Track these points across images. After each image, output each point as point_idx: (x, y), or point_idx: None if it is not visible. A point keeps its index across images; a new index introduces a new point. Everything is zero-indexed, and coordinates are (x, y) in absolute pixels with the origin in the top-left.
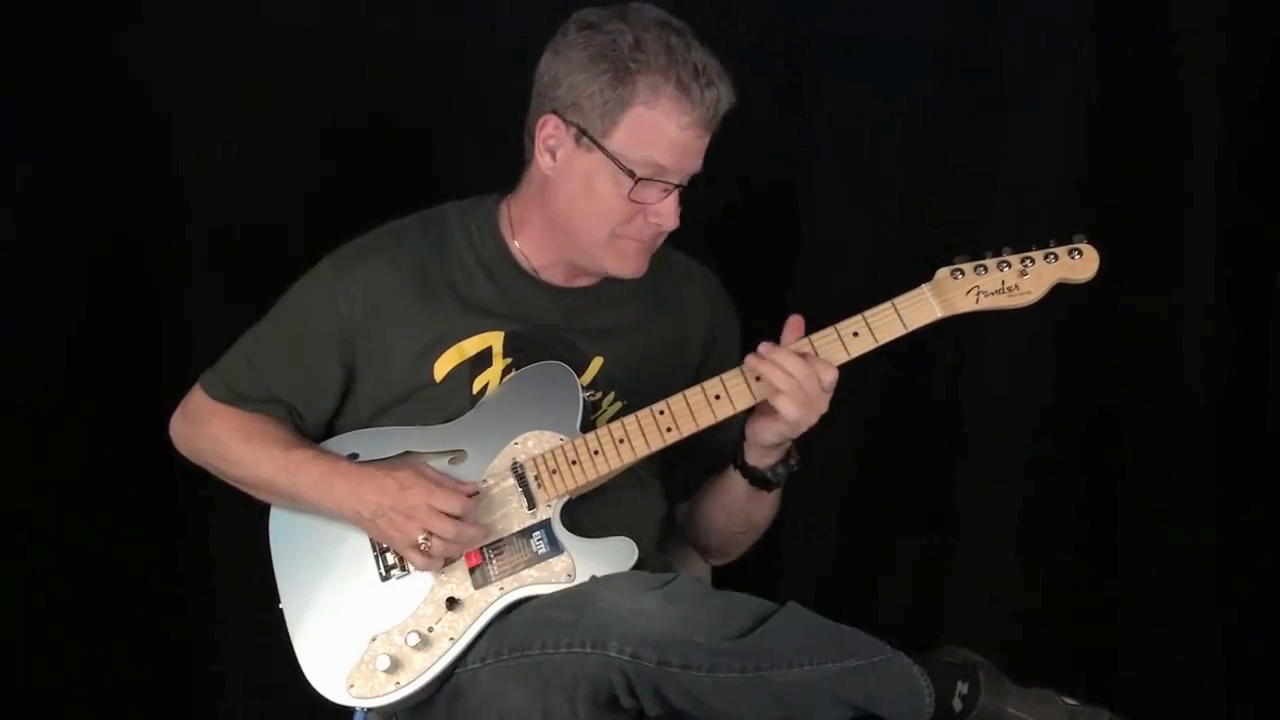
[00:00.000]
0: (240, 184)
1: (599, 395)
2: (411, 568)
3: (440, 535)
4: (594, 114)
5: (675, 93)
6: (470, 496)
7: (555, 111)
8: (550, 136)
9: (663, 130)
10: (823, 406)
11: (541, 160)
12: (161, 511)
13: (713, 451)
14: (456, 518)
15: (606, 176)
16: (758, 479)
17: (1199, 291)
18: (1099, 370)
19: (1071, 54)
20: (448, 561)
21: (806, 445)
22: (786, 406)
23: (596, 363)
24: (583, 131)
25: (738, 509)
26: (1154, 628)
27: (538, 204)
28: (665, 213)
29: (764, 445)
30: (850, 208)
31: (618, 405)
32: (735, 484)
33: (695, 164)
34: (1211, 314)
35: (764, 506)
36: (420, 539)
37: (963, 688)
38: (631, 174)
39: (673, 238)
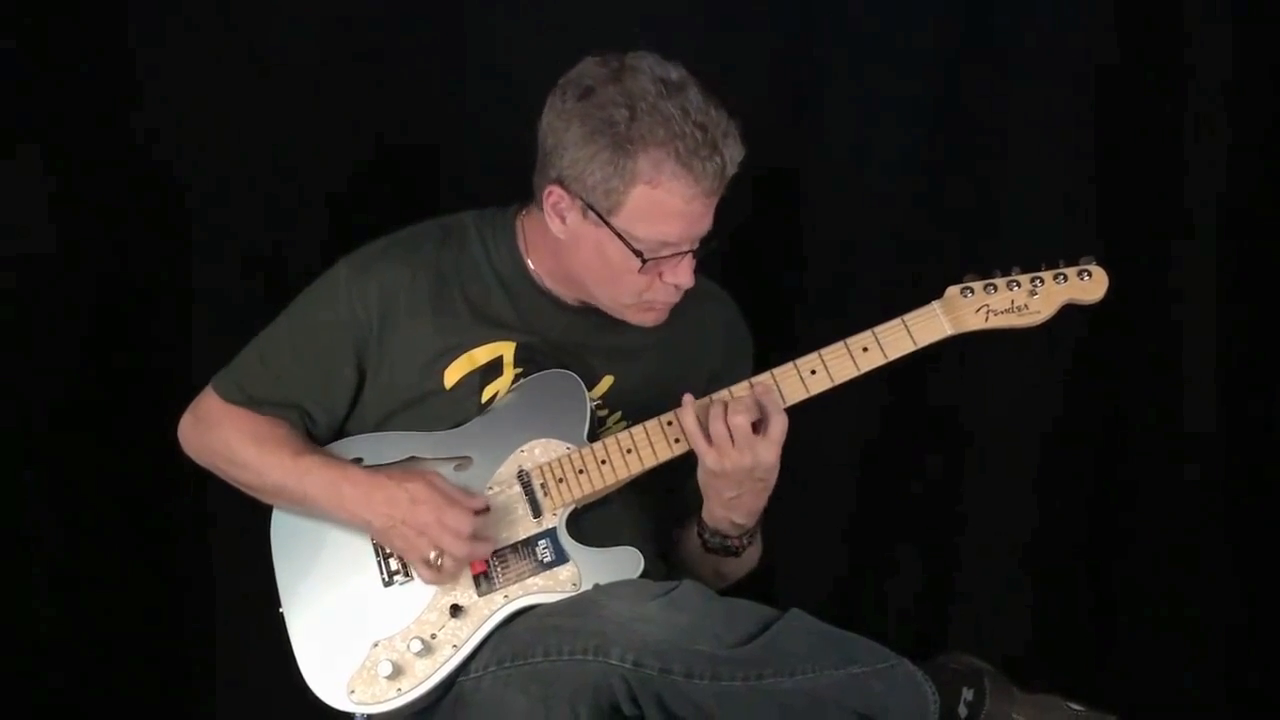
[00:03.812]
0: (245, 195)
1: (606, 412)
2: (415, 574)
3: (451, 554)
4: (598, 191)
5: (677, 169)
6: (480, 513)
7: (559, 181)
8: (558, 203)
9: (667, 207)
10: (745, 458)
11: (551, 224)
12: (162, 513)
13: (688, 487)
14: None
15: (616, 249)
16: (699, 533)
17: (1204, 295)
18: (1106, 378)
19: (1078, 65)
20: (456, 576)
21: (811, 449)
22: (701, 445)
23: (606, 381)
24: (589, 205)
25: (699, 556)
26: (1161, 634)
27: (552, 253)
28: (681, 274)
29: (706, 497)
30: (857, 219)
31: (623, 424)
32: (694, 531)
33: (705, 224)
34: (1217, 317)
35: (726, 564)
36: (432, 555)
37: (968, 694)
38: (639, 254)
39: None
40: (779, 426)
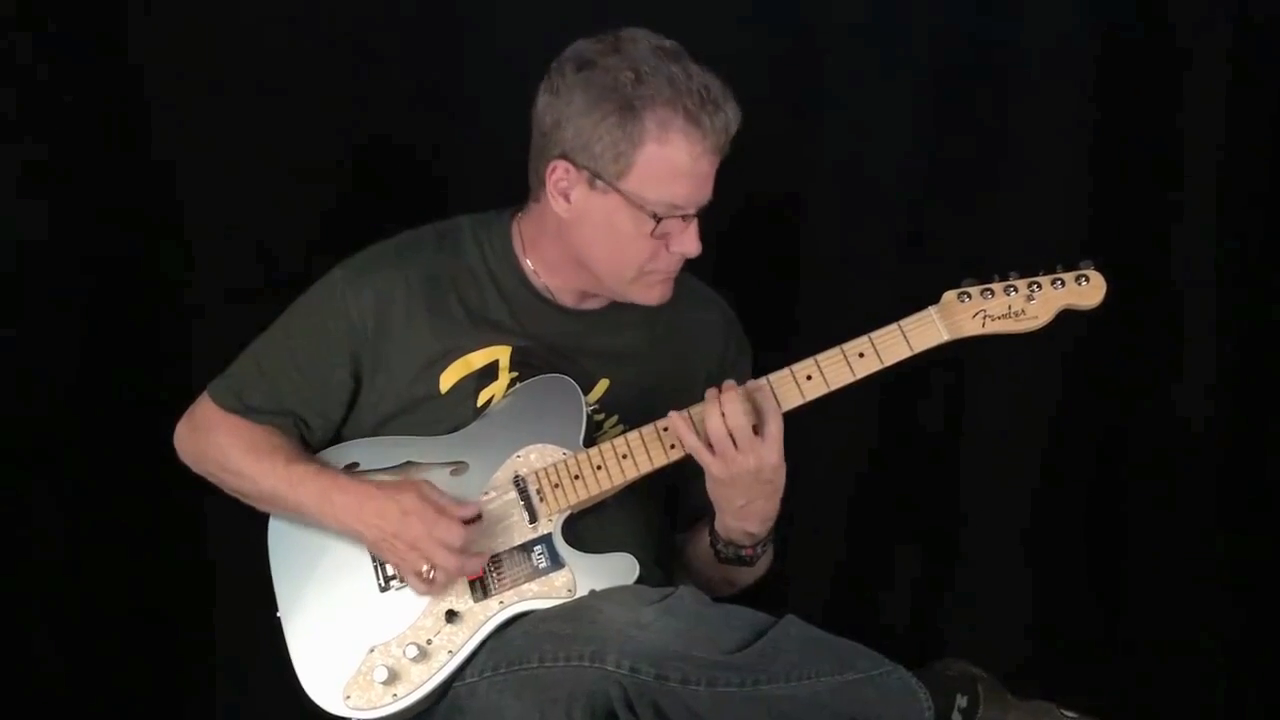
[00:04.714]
0: (243, 200)
1: (602, 416)
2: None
3: (442, 567)
4: (605, 157)
5: (685, 125)
6: (471, 522)
7: (564, 155)
8: (561, 180)
9: (677, 165)
10: (748, 460)
11: (555, 204)
12: (159, 518)
13: (692, 491)
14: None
15: (626, 216)
16: (713, 544)
17: (1202, 301)
18: (1104, 380)
19: (1075, 70)
20: (450, 587)
21: (808, 454)
22: (705, 457)
23: (602, 384)
24: (596, 175)
25: (710, 565)
26: (1156, 640)
27: (554, 239)
28: (688, 241)
29: (718, 510)
30: (854, 225)
31: (620, 428)
32: (705, 540)
33: (709, 189)
34: (1217, 317)
35: (738, 573)
36: (424, 568)
37: (962, 701)
38: (654, 215)
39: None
40: (776, 424)
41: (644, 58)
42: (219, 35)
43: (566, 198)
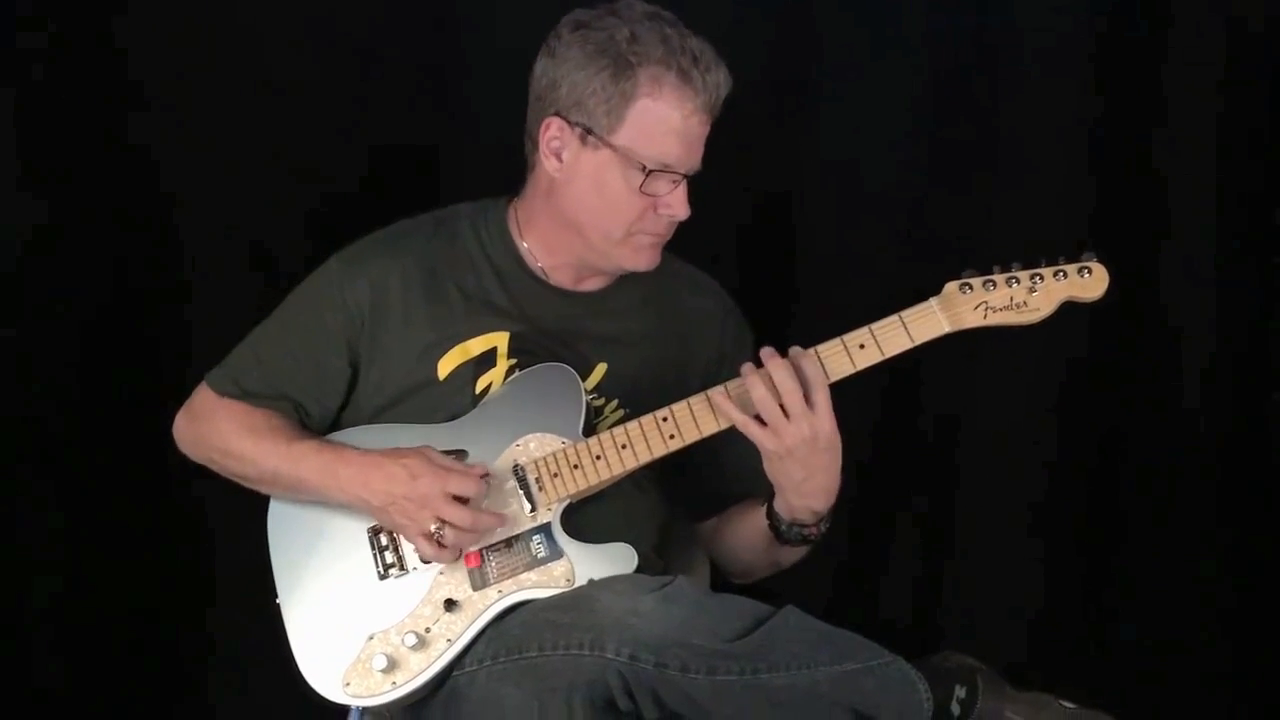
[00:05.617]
0: (242, 196)
1: (601, 401)
2: (410, 567)
3: (455, 523)
4: (598, 111)
5: (677, 81)
6: (481, 478)
7: (558, 113)
8: (554, 139)
9: (669, 121)
10: (803, 429)
11: (547, 163)
12: (158, 517)
13: (724, 475)
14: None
15: (616, 173)
16: (774, 526)
17: (1202, 300)
18: (1105, 376)
19: (1075, 65)
20: (459, 552)
21: None
22: (755, 431)
23: (600, 368)
24: (588, 130)
25: (761, 548)
26: (1155, 634)
27: (545, 207)
28: (677, 203)
29: (779, 489)
30: (850, 218)
31: (620, 413)
32: (759, 522)
33: (699, 154)
34: (1214, 321)
35: (789, 553)
36: (433, 528)
37: (960, 692)
38: (643, 167)
39: (681, 253)
40: (823, 393)
41: (639, 18)
42: (219, 35)
43: (559, 157)
